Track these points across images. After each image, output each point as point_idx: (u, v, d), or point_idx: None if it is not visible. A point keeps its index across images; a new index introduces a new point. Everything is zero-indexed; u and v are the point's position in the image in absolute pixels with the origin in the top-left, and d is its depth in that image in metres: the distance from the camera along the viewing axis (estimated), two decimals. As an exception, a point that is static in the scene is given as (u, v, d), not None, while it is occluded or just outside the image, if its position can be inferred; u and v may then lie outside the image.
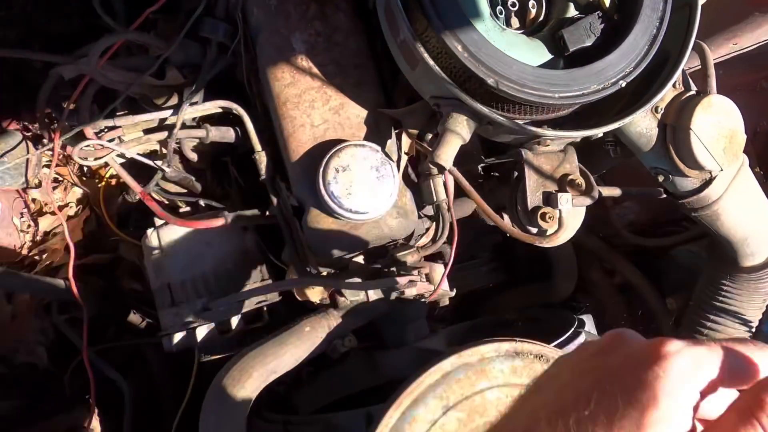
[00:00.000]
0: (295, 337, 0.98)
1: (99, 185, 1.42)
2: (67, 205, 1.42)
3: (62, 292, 1.12)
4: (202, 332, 1.04)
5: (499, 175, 1.27)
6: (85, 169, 1.44)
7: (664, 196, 1.25)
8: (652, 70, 0.92)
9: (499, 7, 0.95)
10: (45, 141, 1.29)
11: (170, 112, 1.05)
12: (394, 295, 1.08)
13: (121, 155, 1.06)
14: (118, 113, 1.10)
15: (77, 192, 1.44)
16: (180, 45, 1.03)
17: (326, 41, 0.99)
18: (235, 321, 1.05)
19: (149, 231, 1.07)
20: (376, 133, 0.99)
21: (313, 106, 0.98)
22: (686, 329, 1.24)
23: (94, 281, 1.28)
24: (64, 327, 1.17)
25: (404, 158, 1.02)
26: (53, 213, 1.38)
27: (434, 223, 1.06)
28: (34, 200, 1.38)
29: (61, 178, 1.42)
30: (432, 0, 0.80)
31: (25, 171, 1.19)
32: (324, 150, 0.95)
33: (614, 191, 1.33)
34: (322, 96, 0.98)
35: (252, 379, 0.92)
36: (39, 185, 1.36)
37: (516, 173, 1.04)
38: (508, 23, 0.95)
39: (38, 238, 1.37)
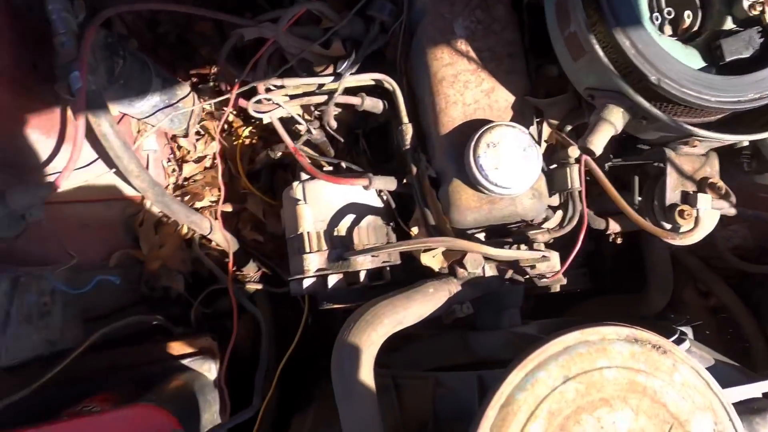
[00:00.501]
0: (421, 295, 1.07)
1: (235, 143, 1.56)
2: (205, 156, 1.58)
3: (208, 228, 1.25)
4: (333, 279, 1.14)
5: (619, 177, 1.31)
6: (226, 126, 1.59)
7: (782, 221, 1.25)
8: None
9: (655, 14, 1.00)
10: (206, 96, 1.44)
11: (330, 78, 1.17)
12: (509, 274, 1.15)
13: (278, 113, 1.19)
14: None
15: (214, 146, 1.59)
16: (349, 20, 1.14)
17: (485, 29, 1.08)
18: (362, 275, 1.15)
19: (295, 183, 1.19)
20: (521, 119, 1.06)
21: (466, 87, 1.06)
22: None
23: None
24: (205, 259, 1.31)
25: (543, 145, 1.08)
26: (195, 161, 1.53)
27: (561, 210, 1.12)
28: (180, 147, 1.54)
29: (203, 132, 1.58)
30: (608, -3, 0.87)
31: (189, 119, 1.35)
32: (473, 127, 1.03)
33: (731, 210, 1.35)
34: (476, 78, 1.06)
35: (383, 325, 1.00)
36: (187, 135, 1.51)
37: (646, 173, 1.09)
38: (661, 30, 1.00)
39: (180, 182, 1.52)
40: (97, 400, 1.11)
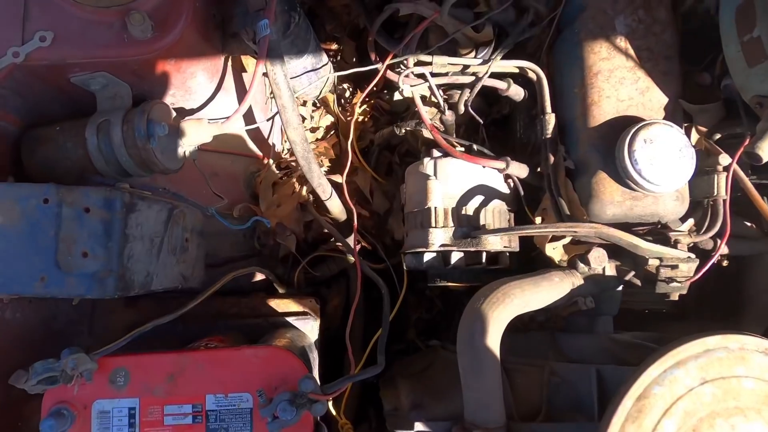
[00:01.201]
0: (548, 282, 1.07)
1: (349, 118, 1.60)
2: (318, 127, 1.62)
3: (329, 194, 1.29)
4: (455, 256, 1.16)
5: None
6: (342, 100, 1.63)
7: None
8: None
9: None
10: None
11: (478, 61, 1.19)
12: (629, 276, 1.15)
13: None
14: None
15: (328, 119, 1.63)
16: (504, 8, 1.16)
17: (646, 29, 1.09)
18: (483, 257, 1.16)
19: (426, 159, 1.21)
20: (673, 121, 1.06)
21: (621, 83, 1.07)
22: None
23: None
24: (324, 222, 1.34)
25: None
26: (310, 131, 1.57)
27: (693, 218, 1.11)
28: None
29: (319, 105, 1.62)
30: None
31: (323, 87, 1.39)
32: (624, 123, 1.04)
33: None
34: (632, 76, 1.07)
35: (513, 304, 1.02)
36: (305, 104, 1.56)
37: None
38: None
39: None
40: (216, 340, 1.15)
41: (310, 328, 1.31)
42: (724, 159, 1.03)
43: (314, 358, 1.28)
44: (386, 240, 1.58)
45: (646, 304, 1.70)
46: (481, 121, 1.28)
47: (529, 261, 1.27)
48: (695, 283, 1.79)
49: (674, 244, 1.02)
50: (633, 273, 1.15)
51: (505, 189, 1.22)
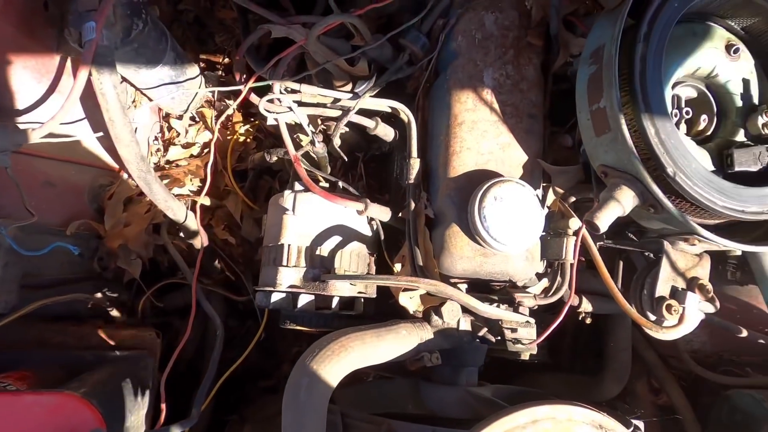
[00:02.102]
0: (393, 335, 1.02)
1: (228, 137, 1.50)
2: (194, 144, 1.50)
3: (183, 217, 1.18)
4: (303, 299, 1.08)
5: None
6: (222, 117, 1.53)
7: (745, 335, 1.28)
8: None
9: (674, 110, 1.03)
10: (210, 83, 1.38)
11: (348, 95, 1.14)
12: (482, 332, 1.12)
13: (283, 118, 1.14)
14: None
15: (206, 136, 1.52)
16: (380, 43, 1.12)
17: (513, 85, 1.08)
18: (335, 301, 1.09)
19: (287, 192, 1.14)
20: (530, 180, 1.06)
21: (484, 136, 1.05)
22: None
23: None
24: (171, 248, 1.22)
25: (545, 210, 1.08)
26: (183, 146, 1.46)
27: (547, 278, 1.10)
28: (170, 128, 1.47)
29: (198, 119, 1.51)
30: (642, 82, 0.89)
31: (190, 102, 1.28)
32: (483, 177, 1.02)
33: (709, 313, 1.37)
34: (494, 130, 1.06)
35: (349, 359, 0.95)
36: (181, 117, 1.45)
37: (630, 260, 1.09)
38: (677, 127, 1.03)
39: (162, 163, 1.44)
40: (14, 378, 0.99)
41: (144, 366, 1.17)
42: (574, 223, 1.03)
43: (144, 400, 1.14)
44: (256, 270, 1.48)
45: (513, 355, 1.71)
46: (345, 158, 1.23)
47: (388, 308, 1.22)
48: (570, 335, 1.83)
49: (517, 306, 1.00)
50: (486, 329, 1.12)
51: (367, 231, 1.16)
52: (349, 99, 1.14)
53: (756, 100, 1.03)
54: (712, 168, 0.99)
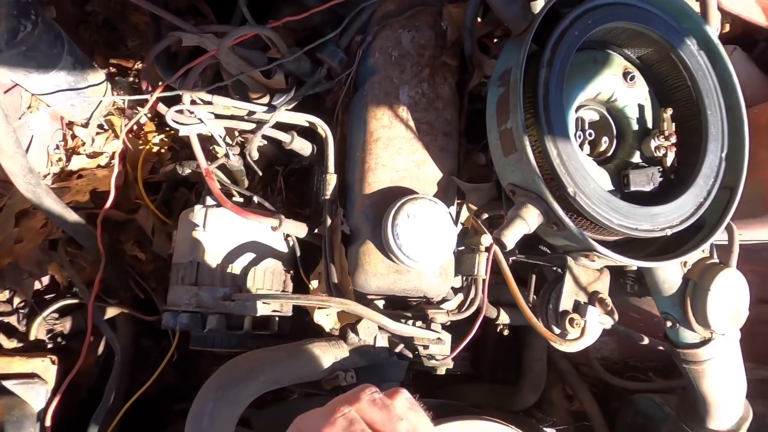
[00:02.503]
0: (306, 355, 0.99)
1: (140, 147, 1.42)
2: (101, 153, 1.41)
3: (83, 233, 1.10)
4: (212, 320, 1.03)
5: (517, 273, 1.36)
6: (135, 127, 1.44)
7: (646, 342, 1.36)
8: (687, 231, 1.06)
9: (578, 132, 1.09)
10: (121, 90, 1.31)
11: (264, 108, 1.11)
12: (399, 348, 1.12)
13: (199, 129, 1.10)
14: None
15: (115, 145, 1.43)
16: (297, 57, 1.11)
17: (428, 104, 1.10)
18: (247, 321, 1.05)
19: (197, 207, 1.09)
20: (444, 197, 1.07)
21: (399, 153, 1.06)
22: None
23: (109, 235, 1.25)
24: (68, 267, 1.13)
25: (458, 227, 1.10)
26: (89, 156, 1.36)
27: (462, 293, 1.12)
28: (74, 137, 1.37)
29: (107, 127, 1.42)
30: (545, 105, 0.92)
31: (94, 110, 1.20)
32: (397, 194, 1.02)
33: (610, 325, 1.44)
34: (410, 147, 1.07)
35: (257, 382, 0.91)
36: (87, 125, 1.36)
37: (542, 274, 1.14)
38: (581, 148, 1.09)
39: (63, 174, 1.34)
40: None
41: (34, 395, 1.07)
42: (486, 239, 1.05)
43: (33, 432, 1.05)
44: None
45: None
46: (259, 172, 1.19)
47: (305, 326, 1.19)
48: (492, 346, 1.88)
49: (430, 323, 1.01)
50: (402, 345, 1.12)
51: (282, 247, 1.13)
52: (264, 112, 1.11)
53: (650, 125, 1.10)
54: (612, 187, 1.05)
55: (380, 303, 1.14)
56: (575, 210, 0.94)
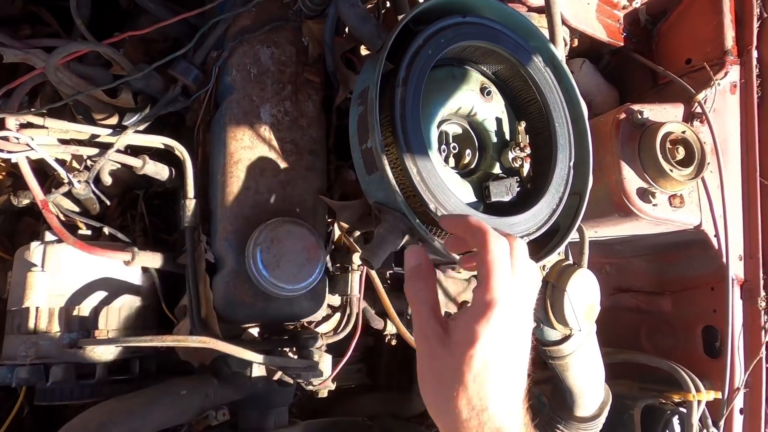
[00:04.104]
0: (169, 398, 0.92)
1: (-30, 174, 1.24)
2: None
3: None
4: (56, 372, 0.91)
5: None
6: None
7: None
8: (544, 235, 1.13)
9: (443, 146, 1.12)
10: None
11: (109, 131, 1.01)
12: (278, 375, 1.08)
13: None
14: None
15: (-62, 173, 1.23)
16: (145, 74, 1.02)
17: (292, 122, 1.06)
18: (100, 369, 0.95)
19: (34, 244, 0.96)
20: (313, 217, 1.05)
21: (263, 174, 1.01)
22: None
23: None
24: None
25: (331, 247, 1.08)
26: None
27: (339, 314, 1.10)
28: None
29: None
30: (402, 124, 0.93)
31: None
32: (261, 217, 0.98)
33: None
34: (273, 168, 1.03)
35: (109, 436, 0.82)
36: None
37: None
38: (446, 161, 1.12)
39: None
40: None
41: None
42: (357, 258, 1.04)
43: None
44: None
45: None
46: (107, 201, 1.09)
47: (172, 365, 1.11)
48: (387, 355, 1.89)
49: (302, 348, 0.98)
50: (281, 372, 1.07)
51: (141, 281, 1.04)
52: (110, 134, 1.01)
53: (508, 137, 1.16)
54: (475, 199, 1.08)
55: (255, 330, 1.08)
56: (438, 225, 0.96)
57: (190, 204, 1.02)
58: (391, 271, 1.25)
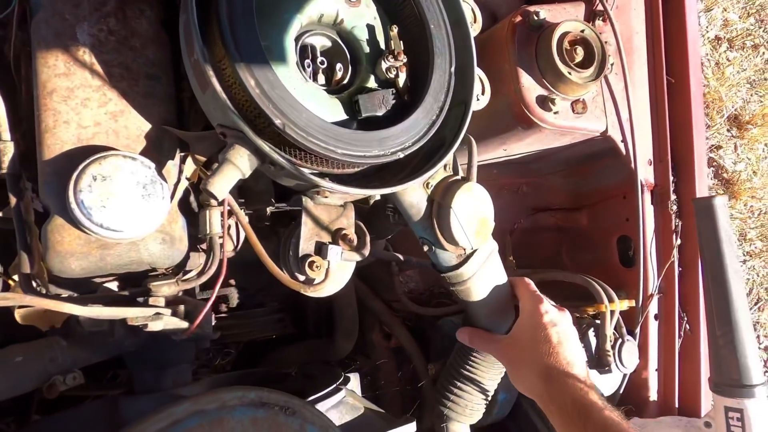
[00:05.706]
0: (2, 366, 0.81)
1: None
2: None
3: None
4: None
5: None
6: None
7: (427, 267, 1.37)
8: (431, 150, 1.04)
9: (308, 61, 0.99)
10: None
11: None
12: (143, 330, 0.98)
13: None
14: None
15: None
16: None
17: (119, 42, 0.91)
18: None
19: None
20: (157, 151, 0.92)
21: (85, 105, 0.87)
22: (439, 393, 1.33)
23: None
24: None
25: (184, 182, 0.96)
26: None
27: (206, 256, 1.00)
28: None
29: None
30: (232, 30, 0.80)
31: None
32: (87, 155, 0.84)
33: (395, 257, 1.43)
34: (99, 97, 0.89)
35: None
36: None
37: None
38: (314, 78, 0.99)
39: None
40: None
41: None
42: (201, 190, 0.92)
43: None
44: None
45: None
46: None
47: (21, 332, 0.99)
48: (312, 303, 1.81)
49: (148, 297, 0.87)
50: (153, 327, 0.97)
51: (-35, 241, 0.91)
52: None
53: (383, 46, 1.04)
54: (346, 116, 0.97)
55: (114, 284, 0.97)
56: (291, 144, 0.85)
57: (6, 147, 0.88)
58: (273, 208, 1.15)
